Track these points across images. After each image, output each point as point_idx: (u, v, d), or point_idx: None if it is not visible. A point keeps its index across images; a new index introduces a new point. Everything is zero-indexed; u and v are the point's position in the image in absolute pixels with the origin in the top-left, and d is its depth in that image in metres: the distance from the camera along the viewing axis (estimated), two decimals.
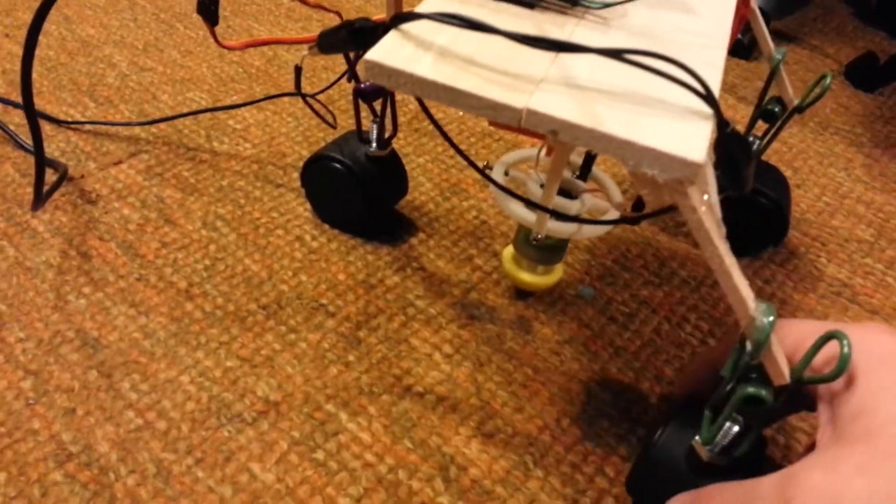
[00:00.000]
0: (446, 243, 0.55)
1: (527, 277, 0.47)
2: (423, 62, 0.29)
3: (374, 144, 0.51)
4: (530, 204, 0.42)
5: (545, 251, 0.46)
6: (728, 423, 0.33)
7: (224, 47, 0.46)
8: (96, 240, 0.52)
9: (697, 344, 0.49)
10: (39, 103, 0.65)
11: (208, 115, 0.66)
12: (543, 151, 0.47)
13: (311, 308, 0.49)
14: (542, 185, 0.43)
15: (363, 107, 0.50)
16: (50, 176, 0.55)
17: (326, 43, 0.37)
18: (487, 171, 0.45)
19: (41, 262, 0.50)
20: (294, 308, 0.48)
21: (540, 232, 0.43)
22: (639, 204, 0.47)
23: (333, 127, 0.55)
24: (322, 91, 0.57)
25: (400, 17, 0.31)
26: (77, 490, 0.37)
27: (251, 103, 0.66)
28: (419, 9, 0.32)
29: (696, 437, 0.34)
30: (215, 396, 0.42)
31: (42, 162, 0.47)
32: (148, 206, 0.55)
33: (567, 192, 0.46)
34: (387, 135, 0.52)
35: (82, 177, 0.57)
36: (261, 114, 0.67)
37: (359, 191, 0.52)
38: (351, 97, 0.59)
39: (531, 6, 0.35)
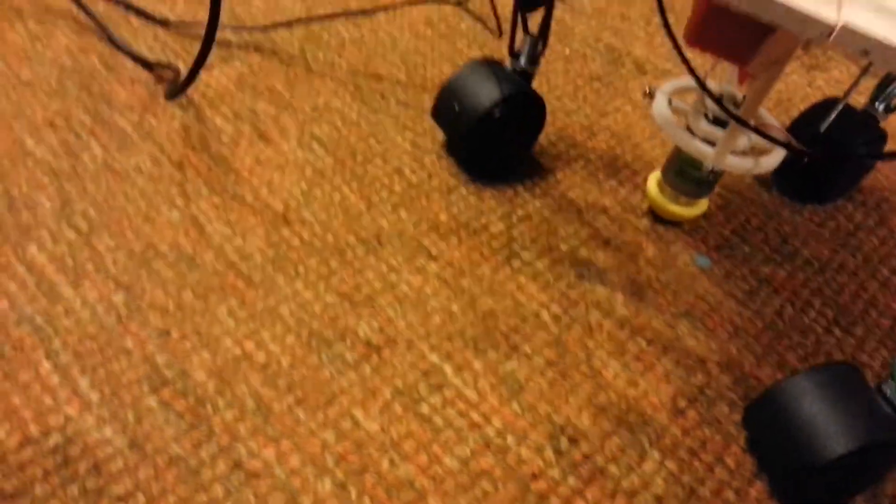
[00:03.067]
0: (553, 193, 0.51)
1: (673, 208, 0.48)
2: None
3: (526, 59, 0.47)
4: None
5: (699, 184, 0.46)
6: None
7: None
8: (188, 149, 0.49)
9: (822, 332, 0.46)
10: None
11: (302, 25, 0.61)
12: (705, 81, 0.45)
13: (413, 248, 0.45)
14: (708, 118, 0.42)
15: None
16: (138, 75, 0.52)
17: None
18: (646, 100, 0.42)
19: (131, 166, 0.47)
20: (395, 246, 0.45)
21: (718, 166, 0.41)
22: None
23: (501, 33, 0.51)
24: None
25: None
26: (172, 419, 0.35)
27: (380, 9, 0.62)
28: None
29: (890, 381, 0.34)
30: (315, 332, 0.40)
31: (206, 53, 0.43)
32: (241, 118, 0.52)
33: (723, 124, 0.44)
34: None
35: (175, 77, 0.54)
36: (357, 30, 0.63)
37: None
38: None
39: None
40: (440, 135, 0.53)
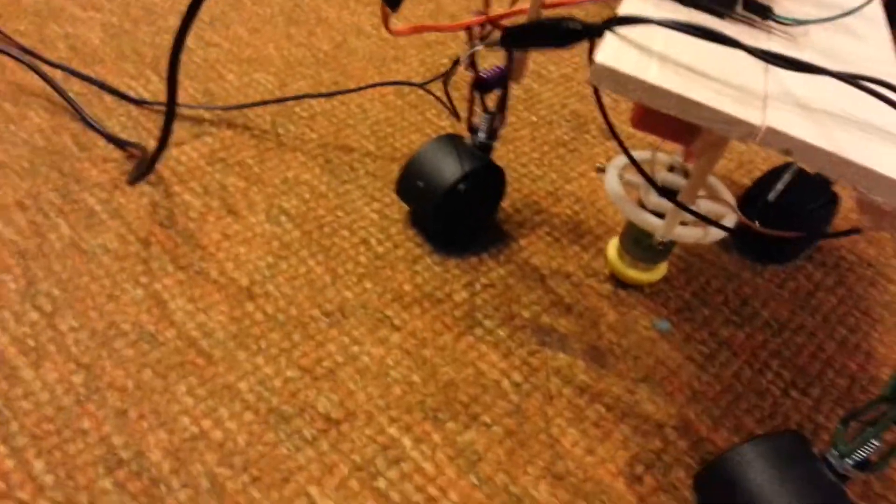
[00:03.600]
0: (517, 259, 0.52)
1: (632, 273, 0.49)
2: (650, 69, 0.29)
3: (485, 135, 0.49)
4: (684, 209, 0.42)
5: (654, 252, 0.47)
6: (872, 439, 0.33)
7: (392, 33, 0.44)
8: (156, 225, 0.50)
9: (779, 394, 0.46)
10: (101, 72, 0.63)
11: (274, 101, 0.63)
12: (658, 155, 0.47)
13: (376, 319, 0.46)
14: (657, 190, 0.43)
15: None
16: (111, 153, 0.53)
17: (514, 39, 0.36)
18: (600, 175, 0.44)
19: (97, 244, 0.48)
20: (358, 318, 0.46)
21: (667, 237, 0.42)
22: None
23: (458, 118, 0.53)
24: (431, 81, 0.54)
25: (620, 20, 0.30)
26: (127, 501, 0.35)
27: (346, 91, 0.64)
28: (631, 13, 0.31)
29: (832, 450, 0.35)
30: (275, 409, 0.40)
31: (164, 145, 0.45)
32: (210, 192, 0.53)
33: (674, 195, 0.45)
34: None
35: (143, 157, 0.55)
36: (328, 103, 0.64)
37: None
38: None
39: (721, 16, 0.34)
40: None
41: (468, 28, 0.46)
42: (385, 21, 0.42)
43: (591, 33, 0.33)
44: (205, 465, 0.37)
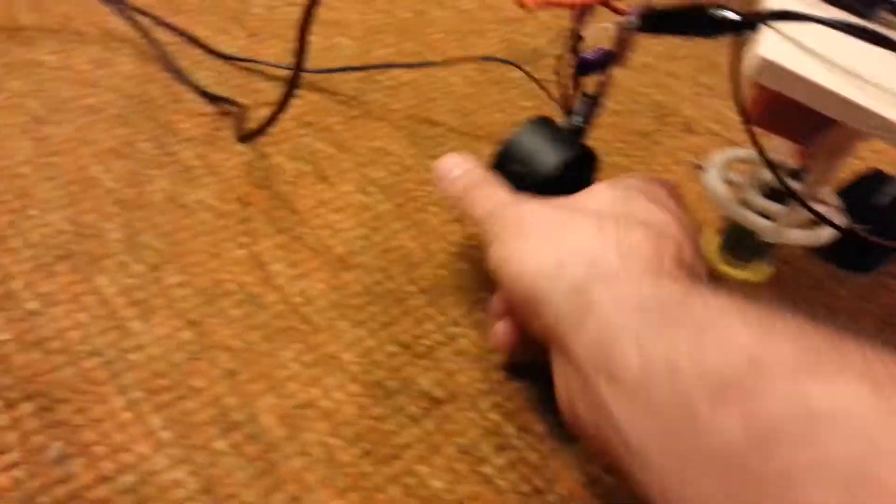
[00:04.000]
0: None
1: (731, 272, 0.48)
2: (815, 69, 0.28)
3: (582, 119, 0.48)
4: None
5: (758, 252, 0.47)
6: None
7: (523, 5, 0.42)
8: (252, 186, 0.49)
9: None
10: (186, 22, 0.62)
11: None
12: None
13: (471, 302, 0.46)
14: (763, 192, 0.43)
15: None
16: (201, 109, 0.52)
17: (656, 23, 0.35)
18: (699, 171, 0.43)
19: (196, 200, 0.47)
20: (455, 298, 0.46)
21: (778, 239, 0.42)
22: None
23: (557, 101, 0.52)
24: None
25: (778, 15, 0.29)
26: (244, 465, 0.35)
27: (435, 64, 0.63)
28: (782, 7, 0.31)
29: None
30: (379, 382, 0.40)
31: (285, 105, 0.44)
32: (301, 157, 0.52)
33: (775, 196, 0.45)
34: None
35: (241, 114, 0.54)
36: (412, 74, 0.63)
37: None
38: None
39: (862, 15, 0.33)
40: None
41: (587, 6, 0.45)
42: None
43: (746, 25, 0.32)
44: (317, 433, 0.37)
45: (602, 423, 0.29)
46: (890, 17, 0.36)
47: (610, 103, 0.66)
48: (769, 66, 0.29)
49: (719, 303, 0.27)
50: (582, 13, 0.46)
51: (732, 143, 0.65)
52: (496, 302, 0.41)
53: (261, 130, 0.47)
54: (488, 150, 0.53)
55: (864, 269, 0.55)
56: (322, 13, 0.40)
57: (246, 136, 0.48)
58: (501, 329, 0.40)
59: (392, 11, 0.71)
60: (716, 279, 0.51)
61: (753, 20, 0.32)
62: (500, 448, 0.39)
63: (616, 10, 0.46)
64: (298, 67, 0.42)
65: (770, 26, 0.32)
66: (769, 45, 0.30)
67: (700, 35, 0.36)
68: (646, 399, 0.26)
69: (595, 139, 0.62)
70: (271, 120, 0.45)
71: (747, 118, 0.37)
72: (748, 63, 0.30)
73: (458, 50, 0.68)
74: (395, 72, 0.63)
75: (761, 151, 0.37)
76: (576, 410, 0.31)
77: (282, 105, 0.44)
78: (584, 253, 0.33)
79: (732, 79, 0.34)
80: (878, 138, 0.28)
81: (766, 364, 0.23)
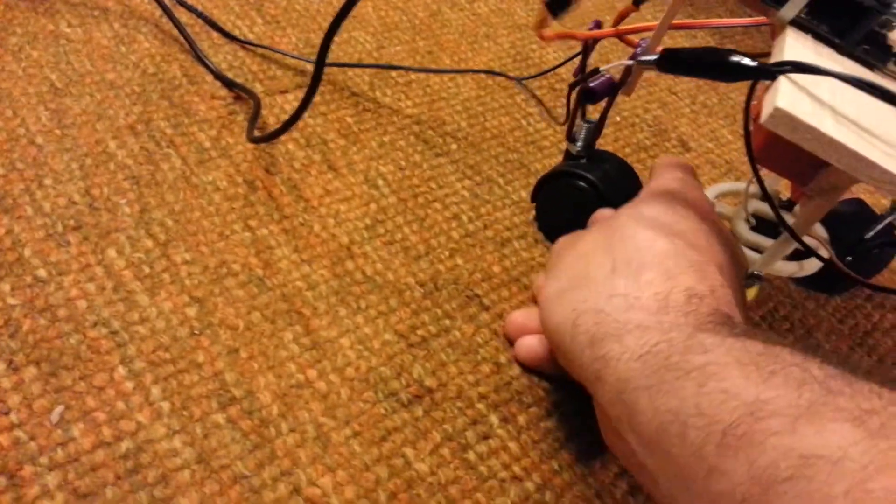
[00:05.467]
0: None
1: None
2: (825, 120, 0.29)
3: (581, 144, 0.50)
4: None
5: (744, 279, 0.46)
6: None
7: (543, 38, 0.44)
8: (262, 171, 0.51)
9: None
10: (207, 5, 0.63)
11: (371, 61, 0.64)
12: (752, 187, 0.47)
13: (466, 297, 0.47)
14: (749, 224, 0.44)
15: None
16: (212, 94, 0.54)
17: (673, 63, 0.36)
18: None
19: (208, 181, 0.49)
20: (450, 292, 0.47)
21: (764, 270, 0.43)
22: None
23: (560, 124, 0.53)
24: (534, 77, 0.55)
25: (797, 67, 0.30)
26: (238, 438, 0.37)
27: (447, 71, 0.64)
28: (797, 58, 0.32)
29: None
30: (373, 368, 0.42)
31: (306, 106, 0.45)
32: (312, 146, 0.54)
33: (765, 229, 0.46)
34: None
35: (248, 98, 0.56)
36: (422, 73, 0.65)
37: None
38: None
39: (872, 68, 0.34)
40: (499, 186, 0.56)
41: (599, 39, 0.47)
42: (540, 24, 0.43)
43: (764, 75, 0.33)
44: (311, 413, 0.39)
45: (632, 459, 0.33)
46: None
47: (611, 113, 0.68)
48: (783, 116, 0.29)
49: (722, 348, 0.29)
50: (593, 45, 0.48)
51: (725, 162, 0.67)
52: (533, 316, 0.44)
53: (271, 136, 0.48)
54: (494, 150, 0.54)
55: (836, 292, 0.57)
56: (339, 5, 0.41)
57: (256, 140, 0.50)
58: (530, 344, 0.44)
59: (408, 10, 0.73)
60: None
61: (771, 71, 0.33)
62: (484, 437, 0.41)
63: (629, 44, 0.47)
64: (316, 81, 0.43)
65: (787, 76, 0.32)
66: (784, 95, 0.30)
67: (717, 79, 0.37)
68: (663, 451, 0.29)
69: (597, 147, 0.63)
70: (283, 129, 0.46)
71: (754, 159, 0.38)
72: (764, 111, 0.30)
73: (469, 51, 0.69)
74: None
75: (764, 190, 0.39)
76: (611, 440, 0.36)
77: (295, 116, 0.45)
78: (594, 307, 0.35)
79: (745, 122, 0.35)
80: (879, 189, 0.29)
81: (765, 414, 0.26)
